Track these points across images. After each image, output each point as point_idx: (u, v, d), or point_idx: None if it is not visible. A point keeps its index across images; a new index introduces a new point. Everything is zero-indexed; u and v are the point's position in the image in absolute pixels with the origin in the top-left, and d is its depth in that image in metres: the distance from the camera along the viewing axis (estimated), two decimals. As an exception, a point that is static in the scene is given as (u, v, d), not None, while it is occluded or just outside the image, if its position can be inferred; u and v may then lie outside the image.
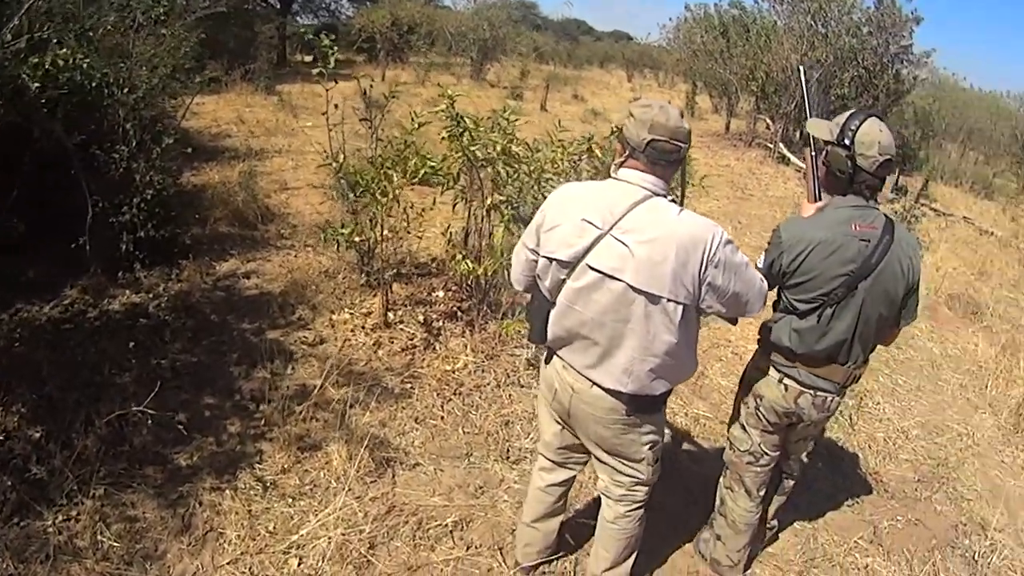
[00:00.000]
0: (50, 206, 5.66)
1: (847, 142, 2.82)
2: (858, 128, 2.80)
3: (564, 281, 2.62)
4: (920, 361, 6.64)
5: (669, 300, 2.47)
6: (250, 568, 3.24)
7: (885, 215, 2.91)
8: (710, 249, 2.44)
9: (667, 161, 2.53)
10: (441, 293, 6.00)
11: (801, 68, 3.75)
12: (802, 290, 2.93)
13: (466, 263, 5.13)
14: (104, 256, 5.53)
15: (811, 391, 3.06)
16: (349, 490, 3.75)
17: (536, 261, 2.73)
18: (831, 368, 3.02)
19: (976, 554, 4.12)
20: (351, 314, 5.57)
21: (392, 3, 25.98)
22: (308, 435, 4.13)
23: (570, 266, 2.58)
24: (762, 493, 3.43)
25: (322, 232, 5.28)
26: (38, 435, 3.76)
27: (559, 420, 3.02)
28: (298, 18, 29.08)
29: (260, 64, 15.45)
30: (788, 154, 14.90)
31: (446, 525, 3.64)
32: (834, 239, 2.81)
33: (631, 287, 2.47)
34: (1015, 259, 10.96)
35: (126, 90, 5.73)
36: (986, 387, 6.26)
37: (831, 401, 3.10)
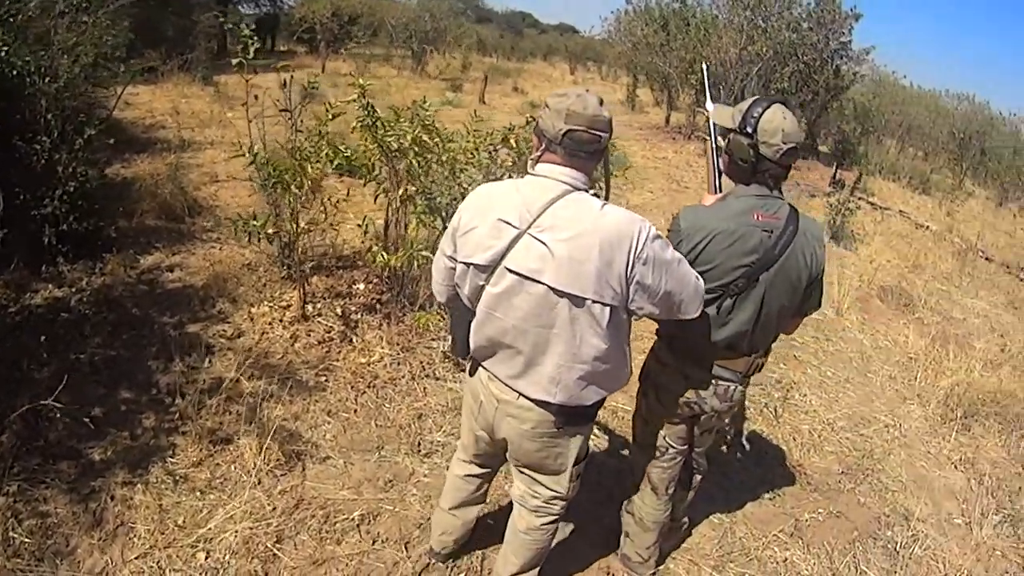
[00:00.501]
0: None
1: (749, 129, 2.68)
2: (761, 115, 2.67)
3: (483, 287, 2.47)
4: (850, 353, 6.63)
5: (595, 302, 2.33)
6: (158, 562, 3.19)
7: (790, 205, 2.81)
8: (636, 245, 2.30)
9: (587, 152, 2.39)
10: (362, 286, 5.92)
11: (704, 64, 3.67)
12: (703, 279, 2.78)
13: (381, 255, 5.01)
14: (26, 249, 5.40)
15: (713, 381, 2.96)
16: (258, 483, 3.71)
17: (455, 268, 2.58)
18: (733, 358, 2.93)
19: (898, 545, 4.10)
20: (270, 307, 5.46)
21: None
22: (221, 428, 4.06)
23: (488, 270, 2.43)
24: (670, 490, 3.33)
25: (233, 224, 5.09)
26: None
27: (482, 432, 2.86)
28: (240, 7, 28.61)
29: (198, 54, 15.11)
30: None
31: (353, 519, 3.60)
32: (735, 229, 2.70)
33: (553, 289, 2.33)
34: (949, 252, 11.07)
35: (48, 79, 5.56)
36: (915, 378, 6.26)
37: (734, 391, 2.99)
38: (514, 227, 2.35)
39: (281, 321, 5.31)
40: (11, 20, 5.46)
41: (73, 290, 5.29)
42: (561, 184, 2.37)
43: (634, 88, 22.30)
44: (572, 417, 2.60)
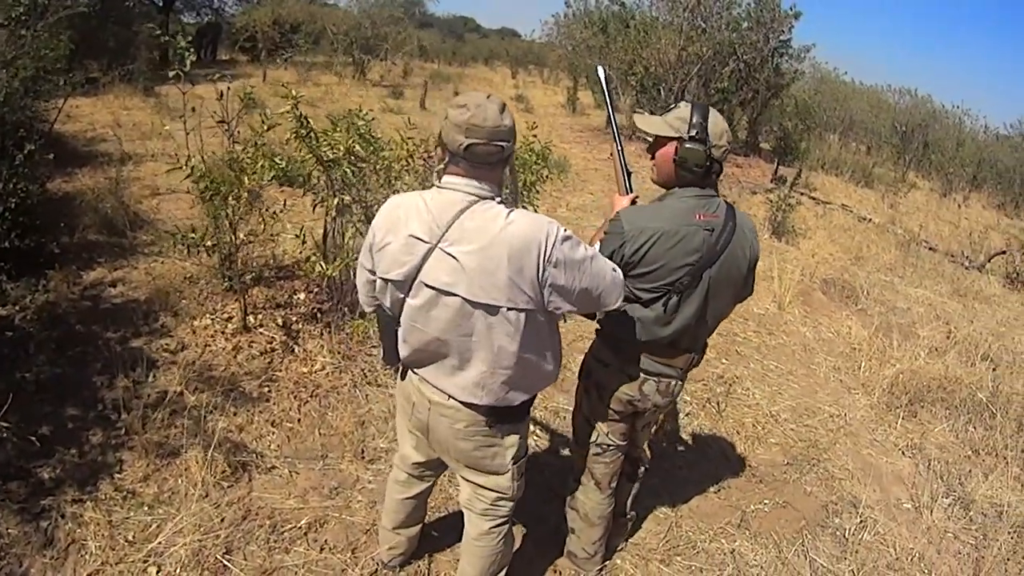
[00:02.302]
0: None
1: (700, 136, 2.74)
2: (706, 120, 2.75)
3: (404, 300, 2.50)
4: (792, 346, 6.73)
5: (509, 309, 2.36)
6: None
7: (726, 202, 2.90)
8: (545, 250, 2.32)
9: (490, 163, 2.38)
10: (302, 295, 5.87)
11: (600, 68, 3.68)
12: (646, 280, 2.85)
13: (319, 264, 5.01)
14: None
15: (655, 378, 3.02)
16: (206, 496, 3.71)
17: (375, 282, 2.60)
18: (674, 354, 3.00)
19: (847, 532, 4.16)
20: (212, 319, 5.41)
21: (275, 1, 25.52)
22: (167, 442, 4.05)
23: (406, 285, 2.45)
24: (613, 485, 3.37)
25: (172, 237, 5.06)
26: None
27: (418, 434, 2.88)
28: (182, 16, 28.28)
29: (139, 65, 14.85)
30: (668, 148, 15.03)
31: (301, 527, 3.61)
32: (677, 229, 2.76)
33: (467, 300, 2.35)
34: (892, 244, 11.29)
35: None
36: (859, 368, 6.37)
37: (674, 386, 3.08)
38: (425, 242, 2.37)
39: (223, 333, 5.28)
40: None
41: (17, 308, 5.22)
42: (467, 196, 2.38)
43: (574, 91, 22.32)
44: (503, 416, 2.63)
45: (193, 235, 5.02)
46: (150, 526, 3.49)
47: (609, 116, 3.29)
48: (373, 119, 5.11)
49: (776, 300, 7.63)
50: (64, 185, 8.03)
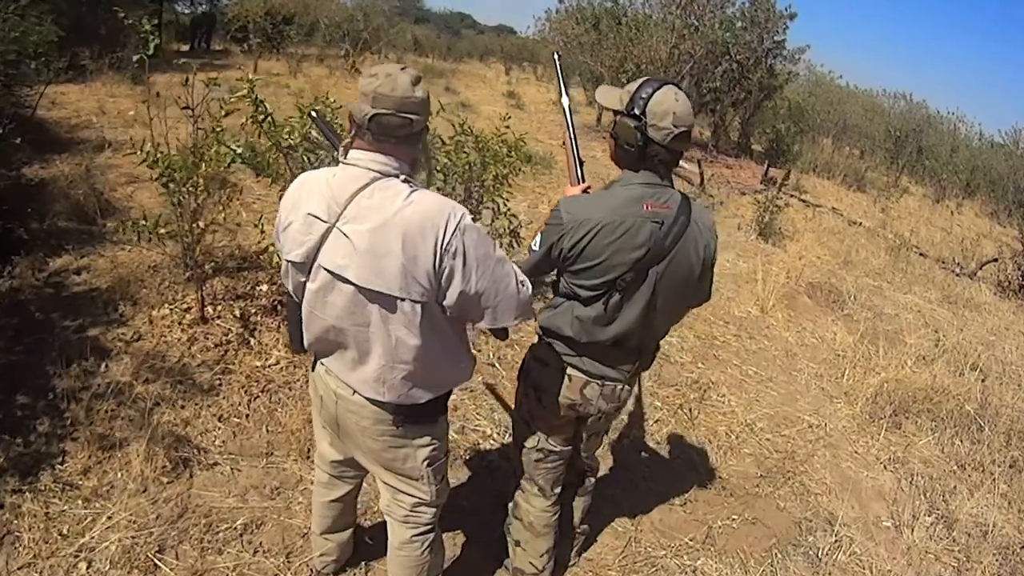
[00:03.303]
0: None
1: (636, 111, 2.49)
2: (650, 96, 2.47)
3: (304, 283, 2.31)
4: (774, 351, 6.45)
5: (402, 299, 2.17)
6: (41, 572, 3.12)
7: (682, 193, 2.63)
8: (444, 236, 2.13)
9: (396, 137, 2.20)
10: (265, 287, 5.66)
11: (555, 54, 3.46)
12: (586, 276, 2.60)
13: (278, 255, 4.75)
14: None
15: (598, 381, 2.78)
16: (144, 491, 3.61)
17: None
18: (620, 356, 2.76)
19: (820, 551, 3.92)
20: (171, 309, 5.25)
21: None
22: (111, 434, 3.93)
23: (305, 267, 2.27)
24: (557, 491, 3.13)
25: (121, 225, 4.94)
26: None
27: (330, 430, 2.70)
28: (177, 6, 28.20)
29: (128, 52, 14.69)
30: (655, 145, 14.80)
31: (236, 528, 3.49)
32: (622, 220, 2.50)
33: (358, 287, 2.18)
34: (882, 248, 11.01)
35: None
36: (843, 376, 6.09)
37: (621, 390, 2.83)
38: (323, 221, 2.20)
39: (180, 324, 5.11)
40: None
41: None
42: (369, 172, 2.19)
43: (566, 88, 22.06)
44: (411, 415, 2.44)
45: (145, 222, 4.84)
46: (85, 520, 3.39)
47: (562, 103, 3.10)
48: (340, 107, 4.96)
49: (759, 303, 7.35)
50: (41, 171, 7.96)
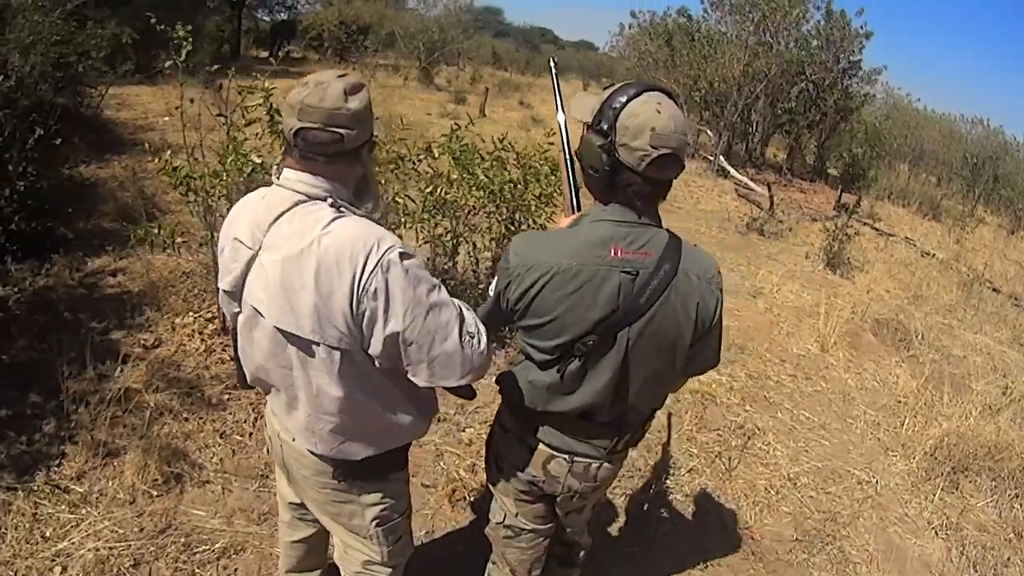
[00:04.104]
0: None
1: (605, 125, 1.92)
2: (623, 106, 1.90)
3: (238, 315, 2.05)
4: (830, 395, 5.93)
5: (317, 343, 1.86)
6: (16, 571, 3.09)
7: (669, 234, 2.05)
8: (361, 273, 1.79)
9: (326, 155, 1.89)
10: None
11: (551, 60, 2.89)
12: (536, 335, 2.10)
13: None
14: None
15: (564, 456, 2.24)
16: (132, 502, 3.54)
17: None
18: (592, 430, 2.22)
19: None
20: (194, 318, 5.13)
21: (343, 1, 25.52)
22: (112, 441, 3.85)
23: (236, 296, 2.00)
24: (536, 573, 2.63)
25: (132, 232, 4.82)
26: None
27: (283, 472, 2.40)
28: (256, 13, 28.74)
29: (202, 57, 14.91)
30: (728, 167, 14.29)
31: (215, 550, 3.34)
32: (581, 267, 1.96)
33: (275, 326, 1.89)
34: (954, 282, 10.34)
35: (1, 77, 5.54)
36: (902, 425, 5.57)
37: (598, 469, 2.27)
38: (247, 247, 1.92)
39: (201, 333, 4.99)
40: None
41: (15, 289, 5.16)
42: (295, 194, 1.91)
43: None
44: (352, 470, 2.14)
45: (159, 231, 4.77)
46: (68, 525, 3.34)
47: (557, 120, 2.56)
48: (378, 118, 4.64)
49: (819, 340, 6.83)
50: (99, 171, 8.17)
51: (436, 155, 4.92)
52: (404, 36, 24.03)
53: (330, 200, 1.90)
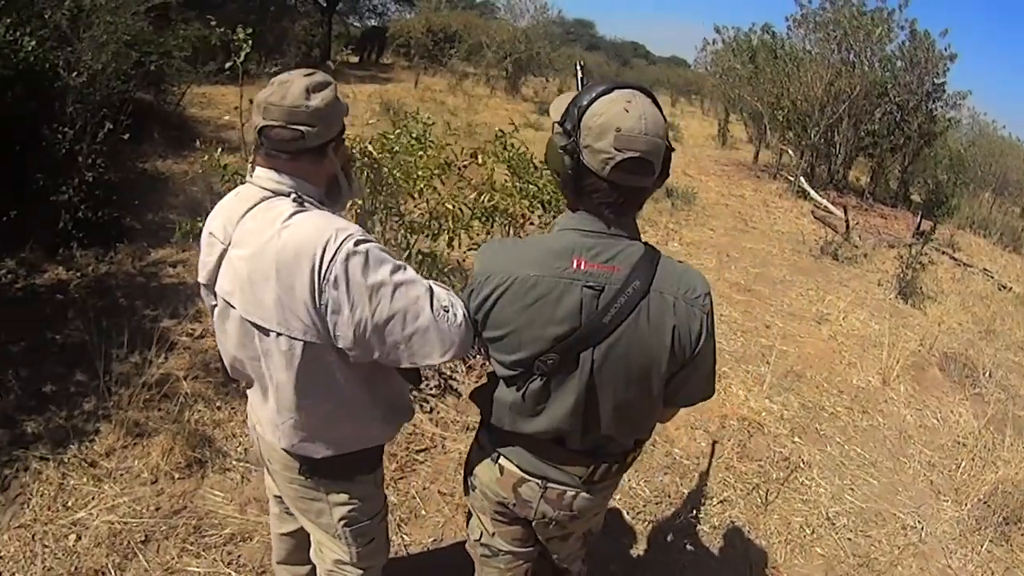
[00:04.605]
0: (5, 180, 5.87)
1: (569, 125, 1.79)
2: (590, 104, 1.76)
3: (215, 308, 2.10)
4: (886, 431, 5.60)
5: (280, 335, 1.87)
6: (34, 534, 3.28)
7: (647, 246, 1.88)
8: (320, 264, 1.79)
9: (288, 152, 1.91)
10: None
11: (578, 62, 2.69)
12: (496, 348, 1.96)
13: None
14: (43, 232, 5.81)
15: (536, 481, 2.07)
16: (154, 482, 3.71)
17: None
18: (565, 456, 2.04)
19: None
20: None
21: (430, 9, 25.69)
22: (143, 423, 4.07)
23: (211, 290, 2.06)
24: None
25: (179, 224, 4.78)
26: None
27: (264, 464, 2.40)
28: (346, 19, 29.21)
29: (288, 60, 15.28)
30: (808, 188, 13.85)
31: (223, 536, 3.46)
32: (540, 278, 1.82)
33: (243, 317, 1.93)
34: (1030, 319, 9.76)
35: (74, 73, 5.94)
36: (958, 468, 5.22)
37: (573, 498, 2.08)
38: (220, 242, 1.98)
39: None
40: (46, 17, 6.01)
41: (78, 274, 5.57)
42: (261, 191, 1.95)
43: (725, 122, 20.96)
44: (317, 468, 2.15)
45: (187, 226, 4.80)
46: (90, 497, 3.53)
47: None
48: (433, 123, 4.86)
49: (882, 372, 6.50)
50: (174, 166, 8.60)
51: (480, 161, 4.84)
52: (491, 45, 24.00)
53: (293, 196, 1.92)
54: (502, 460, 2.12)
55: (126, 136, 6.28)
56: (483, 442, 2.21)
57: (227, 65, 4.95)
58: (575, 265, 1.81)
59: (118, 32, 6.41)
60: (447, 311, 1.90)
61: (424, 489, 4.00)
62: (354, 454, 2.15)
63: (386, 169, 4.51)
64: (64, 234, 5.88)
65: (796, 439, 5.16)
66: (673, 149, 1.89)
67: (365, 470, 2.24)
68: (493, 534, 2.30)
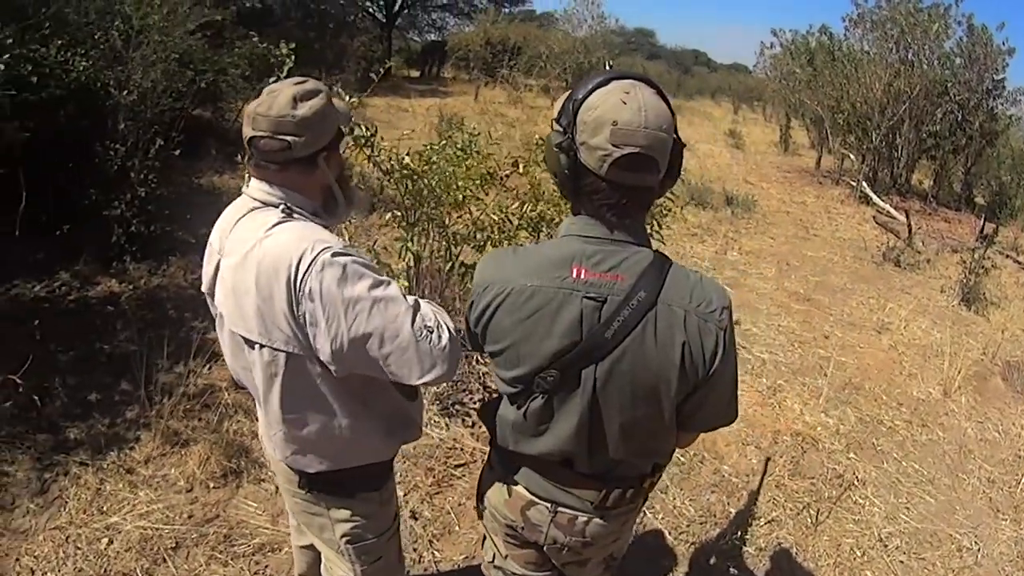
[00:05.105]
0: (61, 196, 6.09)
1: (565, 121, 1.63)
2: (585, 98, 1.60)
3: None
4: (946, 445, 5.30)
5: (263, 346, 1.83)
6: (68, 536, 3.36)
7: (656, 253, 1.70)
8: (296, 275, 1.73)
9: (277, 163, 1.85)
10: None
11: (607, 62, 2.52)
12: (496, 363, 1.82)
13: (401, 284, 4.56)
14: (96, 246, 5.95)
15: (547, 504, 1.92)
16: (190, 490, 3.76)
17: None
18: (574, 479, 1.88)
19: None
20: None
21: (487, 22, 25.69)
22: (184, 432, 4.14)
23: (212, 300, 2.04)
24: None
25: None
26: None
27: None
28: (406, 33, 29.39)
29: (347, 76, 15.35)
30: (871, 193, 13.41)
31: (252, 546, 3.47)
32: (537, 289, 1.67)
33: (230, 329, 1.92)
34: (1099, 324, 9.26)
35: (125, 92, 6.08)
36: (1018, 484, 4.90)
37: (586, 524, 1.91)
38: (216, 252, 1.96)
39: None
40: (96, 38, 6.13)
41: (131, 287, 5.72)
42: (251, 201, 1.91)
43: (787, 128, 20.42)
44: (314, 483, 2.07)
45: None
46: (125, 503, 3.60)
47: None
48: (479, 133, 4.76)
49: (943, 383, 6.18)
50: (229, 181, 8.70)
51: (522, 170, 4.74)
52: (550, 56, 23.82)
53: (282, 207, 1.87)
54: (510, 481, 1.98)
55: (177, 152, 6.35)
56: (493, 462, 2.07)
57: (271, 80, 5.01)
58: (575, 274, 1.65)
59: (167, 51, 6.49)
60: (431, 332, 1.80)
61: (460, 505, 3.91)
62: (353, 469, 2.06)
63: (425, 181, 4.45)
64: (117, 248, 5.98)
65: (851, 455, 4.92)
66: (684, 144, 1.72)
67: (368, 487, 2.15)
68: (506, 556, 2.14)
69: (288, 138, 1.81)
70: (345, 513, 2.12)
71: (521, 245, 1.90)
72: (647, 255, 1.68)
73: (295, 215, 1.88)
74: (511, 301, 1.69)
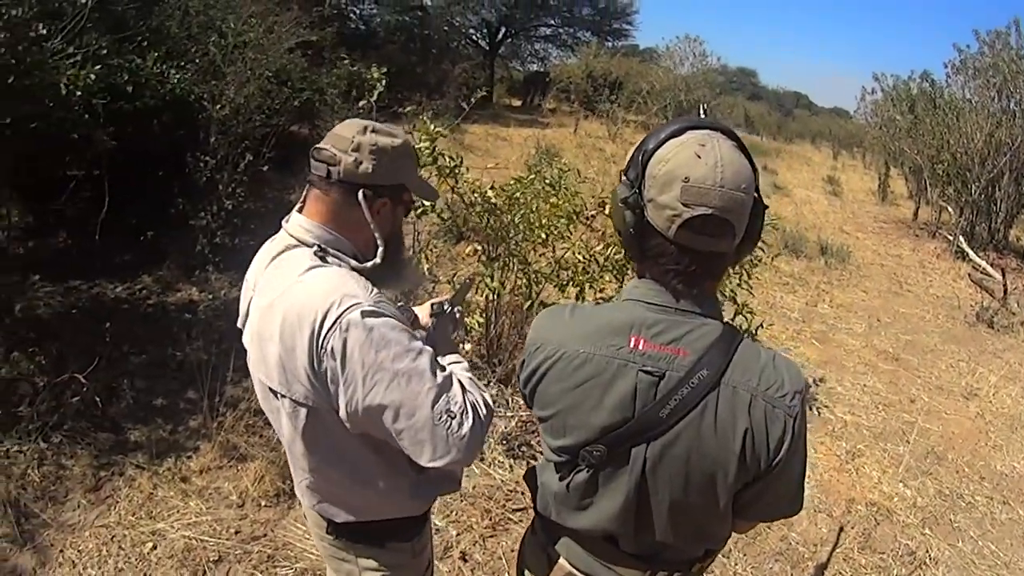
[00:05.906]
0: (150, 202, 6.27)
1: (633, 174, 1.43)
2: (656, 149, 1.40)
3: None
4: (1028, 525, 4.81)
5: (284, 396, 1.66)
6: (113, 536, 3.39)
7: (726, 326, 1.47)
8: (319, 330, 1.55)
9: (321, 177, 1.73)
10: (468, 347, 5.18)
11: (702, 105, 2.29)
12: (545, 430, 1.61)
13: (476, 319, 4.71)
14: (182, 254, 6.12)
15: None
16: (241, 505, 3.73)
17: None
18: (619, 557, 1.63)
19: None
20: None
21: (589, 55, 25.61)
22: (242, 446, 4.12)
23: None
24: None
25: None
26: (42, 383, 4.17)
27: None
28: (509, 63, 29.48)
29: (447, 101, 15.43)
30: (967, 249, 12.65)
31: (295, 569, 3.39)
32: (591, 356, 1.46)
33: (253, 373, 1.80)
34: None
35: (218, 106, 6.18)
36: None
37: None
38: (251, 289, 1.83)
39: None
40: (193, 52, 6.41)
41: (210, 296, 5.80)
42: (289, 238, 1.77)
43: (886, 176, 19.42)
44: (341, 531, 1.90)
45: None
46: (175, 511, 3.62)
47: None
48: (569, 170, 4.74)
49: (1034, 452, 5.68)
50: None
51: (607, 212, 4.54)
52: (651, 92, 23.57)
53: (316, 248, 1.71)
54: (551, 552, 1.75)
55: (265, 168, 6.41)
56: (536, 527, 1.85)
57: (360, 104, 5.08)
58: (632, 344, 1.44)
59: (262, 68, 6.57)
60: (452, 417, 1.59)
61: (512, 551, 3.65)
62: (381, 522, 1.89)
63: (508, 217, 4.33)
64: (200, 257, 6.06)
65: (926, 530, 4.50)
66: (766, 206, 1.48)
67: (399, 538, 1.96)
68: None
69: (338, 153, 1.70)
70: (372, 563, 1.95)
71: (581, 303, 1.67)
72: (714, 329, 1.46)
73: (329, 258, 1.71)
74: (561, 367, 1.50)
